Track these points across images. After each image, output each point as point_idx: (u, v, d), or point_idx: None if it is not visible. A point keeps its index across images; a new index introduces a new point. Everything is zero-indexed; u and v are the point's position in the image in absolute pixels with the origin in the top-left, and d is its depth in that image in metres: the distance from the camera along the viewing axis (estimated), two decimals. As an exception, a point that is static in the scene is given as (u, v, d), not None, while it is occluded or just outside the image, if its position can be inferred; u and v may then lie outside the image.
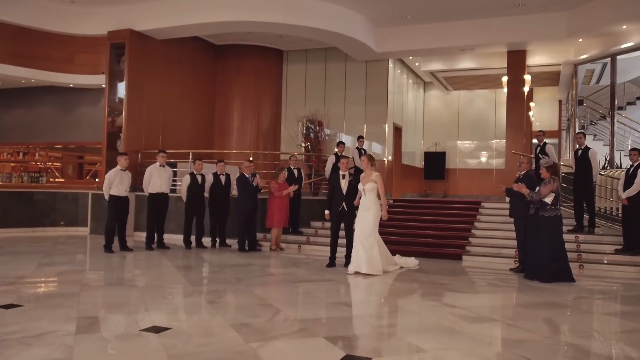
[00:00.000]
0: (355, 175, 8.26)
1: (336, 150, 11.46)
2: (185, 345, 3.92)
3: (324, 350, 3.88)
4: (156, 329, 4.28)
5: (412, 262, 8.34)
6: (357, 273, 7.29)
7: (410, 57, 15.57)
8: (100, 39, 12.71)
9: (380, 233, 9.56)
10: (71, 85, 13.61)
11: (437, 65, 16.19)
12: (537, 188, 7.22)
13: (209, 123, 15.11)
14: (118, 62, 12.53)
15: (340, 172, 7.99)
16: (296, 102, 15.54)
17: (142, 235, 10.26)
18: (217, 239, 10.24)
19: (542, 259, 7.10)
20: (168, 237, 10.22)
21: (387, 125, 14.60)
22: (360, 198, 7.68)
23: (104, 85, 12.78)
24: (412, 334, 4.56)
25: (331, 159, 11.31)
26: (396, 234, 10.36)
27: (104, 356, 3.68)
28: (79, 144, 14.78)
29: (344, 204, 7.89)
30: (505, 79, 14.06)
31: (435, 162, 18.08)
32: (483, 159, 17.94)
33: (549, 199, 7.11)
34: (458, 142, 18.29)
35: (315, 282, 6.94)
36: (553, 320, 5.02)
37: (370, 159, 7.70)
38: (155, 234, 9.76)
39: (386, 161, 14.57)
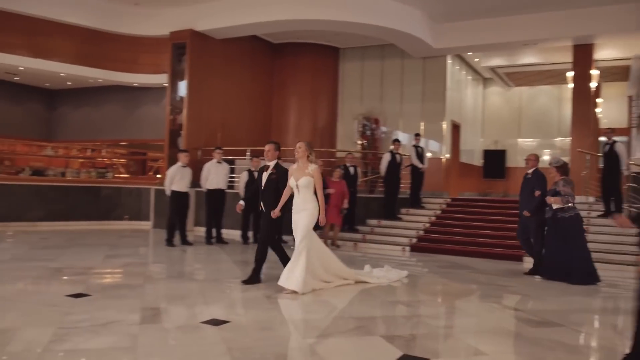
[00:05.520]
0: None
1: (392, 147, 11.37)
2: (243, 339, 3.99)
3: (381, 349, 3.85)
4: (215, 322, 4.38)
5: (394, 275, 6.86)
6: (284, 290, 5.72)
7: (470, 53, 15.21)
8: (162, 39, 13.14)
9: (436, 232, 9.35)
10: (135, 84, 14.11)
11: (497, 60, 15.74)
12: (562, 191, 6.99)
13: (266, 120, 15.32)
14: (179, 62, 12.92)
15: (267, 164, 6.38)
16: (352, 99, 15.51)
17: (202, 230, 10.53)
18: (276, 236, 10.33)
19: (569, 261, 6.92)
20: (227, 233, 10.43)
21: (444, 122, 14.33)
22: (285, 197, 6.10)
23: (166, 84, 13.22)
24: (471, 335, 4.45)
25: (387, 157, 11.23)
26: (453, 234, 10.17)
27: (166, 346, 3.79)
28: (142, 141, 15.29)
29: (261, 204, 6.22)
30: (570, 74, 13.49)
31: (495, 161, 17.58)
32: (546, 158, 17.29)
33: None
34: (519, 139, 17.71)
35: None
36: (620, 327, 4.79)
37: (309, 147, 6.05)
38: (214, 229, 9.98)
39: (444, 159, 14.31)
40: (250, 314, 4.81)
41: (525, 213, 7.55)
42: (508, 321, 4.92)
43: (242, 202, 6.96)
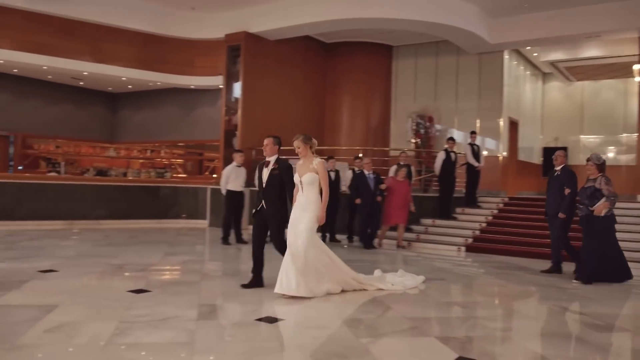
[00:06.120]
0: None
1: (446, 146, 11.18)
2: (297, 337, 4.02)
3: (436, 350, 3.79)
4: (270, 319, 4.43)
5: (410, 281, 6.26)
6: (283, 296, 5.28)
7: (528, 47, 14.72)
8: (217, 42, 13.43)
9: (493, 232, 9.12)
10: (192, 86, 14.48)
11: (558, 54, 15.15)
12: (605, 190, 6.68)
13: (319, 120, 15.38)
14: (234, 64, 13.17)
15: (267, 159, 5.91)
16: (406, 97, 15.34)
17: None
18: (327, 234, 10.40)
19: (612, 260, 6.72)
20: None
21: (501, 119, 13.95)
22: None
23: (221, 86, 13.52)
24: (530, 339, 4.30)
25: (441, 155, 11.05)
26: (511, 234, 9.89)
27: (222, 342, 3.87)
28: (199, 142, 15.67)
29: (263, 202, 5.78)
30: (637, 67, 12.84)
31: (555, 158, 16.96)
32: (610, 155, 16.51)
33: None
34: (581, 136, 17.00)
35: (426, 280, 6.79)
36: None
37: (307, 140, 5.61)
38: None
39: (501, 157, 13.94)
40: (304, 313, 4.84)
41: (561, 215, 7.24)
42: (570, 325, 4.73)
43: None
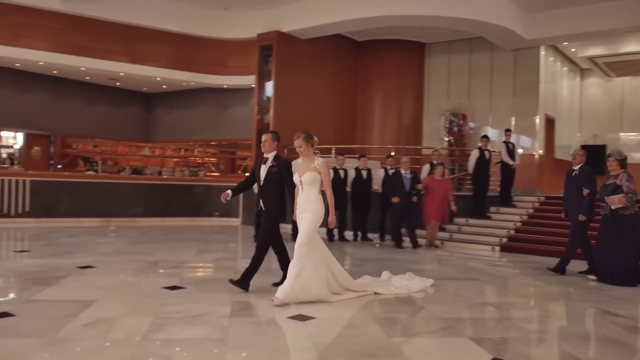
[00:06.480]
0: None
1: (480, 144, 11.01)
2: (329, 335, 4.02)
3: (469, 351, 3.73)
4: (302, 318, 4.44)
5: (416, 284, 5.90)
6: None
7: (565, 43, 14.37)
8: (250, 41, 13.54)
9: (529, 232, 8.93)
10: (224, 86, 14.63)
11: (596, 50, 14.76)
12: (625, 186, 6.43)
13: (351, 118, 15.34)
14: (266, 63, 13.26)
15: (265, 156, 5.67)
16: (438, 95, 15.17)
17: (289, 227, 10.69)
18: (359, 233, 10.38)
19: (629, 262, 6.46)
20: (312, 230, 10.54)
21: (537, 117, 13.66)
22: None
23: (253, 85, 13.63)
24: (567, 341, 4.19)
25: (475, 154, 10.90)
26: (547, 234, 9.70)
27: (255, 339, 3.90)
28: (231, 141, 15.83)
29: (261, 202, 5.58)
30: (680, 61, 12.40)
31: (594, 157, 16.45)
32: (648, 154, 16.00)
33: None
34: (622, 134, 16.50)
35: (459, 280, 6.71)
36: None
37: (308, 138, 5.29)
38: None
39: (537, 155, 13.65)
40: (336, 311, 4.83)
41: (581, 218, 7.01)
42: (609, 327, 4.60)
43: (229, 192, 5.58)
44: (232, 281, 5.43)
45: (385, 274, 6.13)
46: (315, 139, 5.36)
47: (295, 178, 5.26)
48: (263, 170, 5.53)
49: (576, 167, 7.27)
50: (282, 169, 5.46)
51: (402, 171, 9.54)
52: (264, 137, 5.60)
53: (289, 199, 5.50)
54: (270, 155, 5.57)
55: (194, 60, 14.11)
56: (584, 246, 7.32)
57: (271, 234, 5.50)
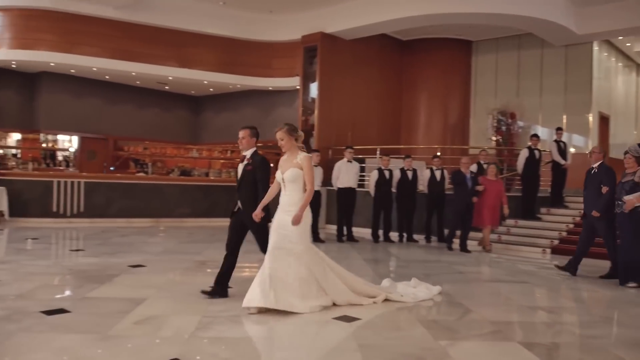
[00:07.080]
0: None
1: (529, 143, 10.71)
2: (374, 337, 3.99)
3: (519, 356, 3.63)
4: (347, 319, 4.43)
5: (423, 292, 5.39)
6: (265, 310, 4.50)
7: (620, 37, 13.82)
8: (294, 43, 13.64)
9: (573, 233, 8.66)
10: (270, 88, 14.79)
11: (654, 44, 14.14)
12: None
13: (396, 119, 15.22)
14: (310, 64, 13.33)
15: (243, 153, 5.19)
16: (486, 94, 14.86)
17: (333, 228, 10.74)
18: (405, 234, 10.27)
19: None
20: (357, 231, 10.52)
21: (591, 114, 13.18)
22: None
23: (298, 87, 13.72)
24: (623, 348, 4.01)
25: (524, 153, 10.60)
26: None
27: (300, 339, 3.92)
28: (276, 142, 15.99)
29: (239, 202, 5.16)
30: None
31: (652, 155, 15.81)
32: None
33: None
34: (681, 131, 15.78)
35: (508, 283, 6.54)
36: None
37: (292, 131, 4.82)
38: (345, 227, 10.13)
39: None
40: (381, 313, 4.79)
41: (594, 213, 6.72)
42: (669, 334, 4.38)
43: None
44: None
45: (385, 282, 5.63)
46: (301, 133, 4.92)
47: (278, 176, 4.85)
48: (240, 168, 5.11)
49: (595, 165, 7.03)
50: (257, 166, 5.00)
51: (463, 172, 9.24)
52: (241, 133, 5.06)
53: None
54: (247, 153, 5.08)
55: (240, 63, 14.34)
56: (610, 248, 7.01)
57: (266, 237, 4.97)
